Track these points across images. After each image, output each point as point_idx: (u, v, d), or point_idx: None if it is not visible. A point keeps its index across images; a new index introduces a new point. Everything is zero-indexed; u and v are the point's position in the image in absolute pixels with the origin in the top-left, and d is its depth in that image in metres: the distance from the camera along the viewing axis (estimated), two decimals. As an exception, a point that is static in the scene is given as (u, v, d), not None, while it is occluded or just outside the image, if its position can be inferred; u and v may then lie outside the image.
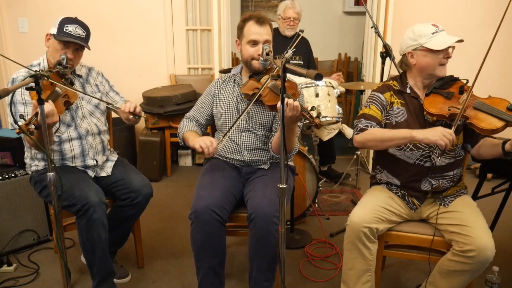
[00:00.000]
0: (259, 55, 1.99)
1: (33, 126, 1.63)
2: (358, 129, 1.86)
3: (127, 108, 2.05)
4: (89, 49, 2.07)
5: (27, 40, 3.87)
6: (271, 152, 2.05)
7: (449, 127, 1.69)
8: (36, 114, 1.65)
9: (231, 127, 2.01)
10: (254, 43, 1.99)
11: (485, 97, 1.80)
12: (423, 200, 1.90)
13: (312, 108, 1.69)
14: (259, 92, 1.91)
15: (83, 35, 2.02)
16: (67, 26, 1.98)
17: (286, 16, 3.50)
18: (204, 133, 2.20)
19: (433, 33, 1.79)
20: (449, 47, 1.78)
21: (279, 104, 1.69)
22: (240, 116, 1.99)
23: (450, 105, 1.76)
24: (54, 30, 1.99)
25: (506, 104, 1.71)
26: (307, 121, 1.73)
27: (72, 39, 1.98)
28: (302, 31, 2.31)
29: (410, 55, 1.86)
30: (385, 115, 1.89)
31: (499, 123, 1.67)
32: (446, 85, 1.84)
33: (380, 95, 1.91)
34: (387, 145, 1.81)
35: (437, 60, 1.80)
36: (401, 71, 1.99)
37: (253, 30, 1.98)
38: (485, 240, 1.64)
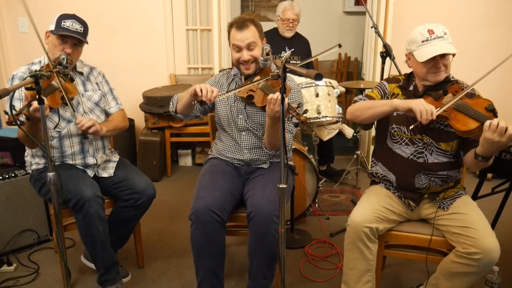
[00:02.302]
0: (244, 60, 2.00)
1: (24, 117, 1.63)
2: (352, 101, 1.94)
3: (80, 125, 1.96)
4: (87, 43, 2.07)
5: (27, 40, 3.87)
6: (264, 149, 2.05)
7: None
8: (28, 105, 1.65)
9: (230, 90, 1.99)
10: (238, 48, 2.01)
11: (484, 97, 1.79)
12: (418, 202, 1.90)
13: (299, 105, 1.69)
14: (251, 85, 1.91)
15: (80, 30, 2.02)
16: (65, 22, 1.99)
17: (285, 17, 3.50)
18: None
19: (423, 41, 1.75)
20: (440, 56, 1.73)
21: (269, 97, 1.71)
22: (238, 88, 1.98)
23: (436, 106, 1.75)
24: (52, 27, 2.01)
25: (486, 104, 1.67)
26: (295, 119, 1.72)
27: (70, 33, 1.98)
28: (340, 45, 2.30)
29: (407, 58, 1.87)
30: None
31: (473, 124, 1.62)
32: (440, 86, 1.81)
33: (385, 83, 1.96)
34: (371, 112, 1.81)
35: (425, 68, 1.78)
36: (401, 71, 1.99)
37: (235, 37, 2.00)
38: (490, 242, 1.63)
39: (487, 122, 1.55)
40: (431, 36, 1.74)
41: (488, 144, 1.58)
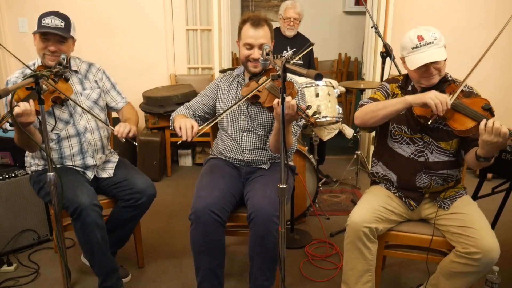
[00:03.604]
0: (253, 58, 1.99)
1: (7, 124, 1.63)
2: (359, 105, 1.91)
3: (120, 134, 2.00)
4: (72, 38, 2.05)
5: (27, 40, 3.85)
6: (269, 151, 2.05)
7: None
8: (10, 111, 1.65)
9: (217, 117, 1.98)
10: (250, 46, 2.00)
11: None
12: (419, 202, 1.90)
13: (308, 107, 1.68)
14: (255, 90, 1.91)
15: (61, 25, 1.99)
16: (44, 19, 1.98)
17: (286, 16, 3.50)
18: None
19: (412, 48, 1.75)
20: (431, 63, 1.72)
21: (275, 102, 1.70)
22: (230, 108, 1.98)
23: None
24: (35, 27, 1.99)
25: (482, 103, 1.67)
26: (304, 121, 1.73)
27: (48, 30, 1.96)
28: (312, 44, 2.34)
29: (402, 61, 1.87)
30: None
31: (470, 124, 1.63)
32: (438, 86, 1.80)
33: (386, 84, 1.96)
34: (383, 113, 1.78)
35: (418, 73, 1.78)
36: (401, 71, 1.99)
37: (249, 34, 1.98)
38: (490, 242, 1.63)
39: (482, 125, 1.56)
40: (420, 43, 1.73)
41: (487, 146, 1.58)
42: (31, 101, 1.74)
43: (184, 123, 1.85)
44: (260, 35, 1.97)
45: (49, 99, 1.94)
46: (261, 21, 1.99)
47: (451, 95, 1.67)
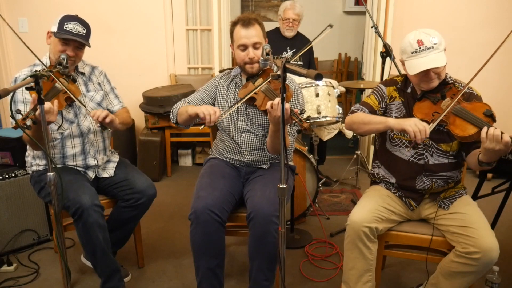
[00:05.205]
0: (250, 58, 1.98)
1: (30, 121, 1.63)
2: (350, 111, 1.94)
3: (96, 116, 1.96)
4: (89, 46, 2.07)
5: (27, 40, 3.80)
6: (267, 152, 2.05)
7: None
8: (35, 108, 1.65)
9: (233, 105, 1.96)
10: (244, 47, 1.99)
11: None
12: (419, 201, 1.90)
13: (302, 111, 1.67)
14: (251, 92, 1.91)
15: (83, 33, 2.02)
16: (67, 24, 1.99)
17: (285, 17, 3.50)
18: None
19: (412, 53, 1.73)
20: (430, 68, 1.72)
21: (268, 106, 1.70)
22: (238, 103, 1.96)
23: (435, 110, 1.74)
24: (54, 28, 2.00)
25: (484, 109, 1.67)
26: (298, 126, 1.72)
27: (72, 36, 1.98)
28: (331, 26, 2.31)
29: (402, 63, 1.86)
30: (383, 106, 1.92)
31: (472, 130, 1.63)
32: (438, 89, 1.80)
33: (383, 87, 1.94)
34: (367, 128, 1.84)
35: (417, 78, 1.78)
36: (401, 71, 1.98)
37: (241, 34, 1.97)
38: (489, 241, 1.64)
39: (483, 133, 1.57)
40: (420, 48, 1.72)
41: (489, 153, 1.59)
42: (54, 100, 1.75)
43: (206, 108, 1.83)
44: (252, 34, 1.96)
45: (63, 99, 1.94)
46: (251, 20, 1.98)
47: (431, 123, 1.68)
